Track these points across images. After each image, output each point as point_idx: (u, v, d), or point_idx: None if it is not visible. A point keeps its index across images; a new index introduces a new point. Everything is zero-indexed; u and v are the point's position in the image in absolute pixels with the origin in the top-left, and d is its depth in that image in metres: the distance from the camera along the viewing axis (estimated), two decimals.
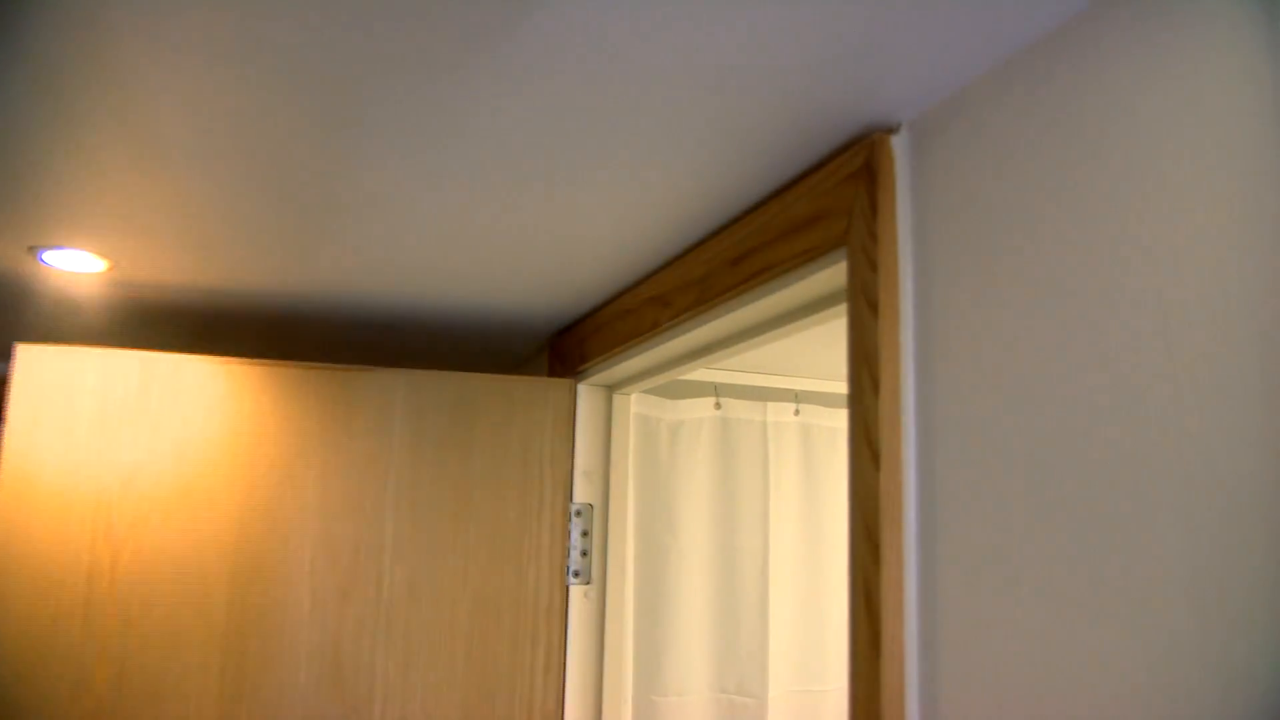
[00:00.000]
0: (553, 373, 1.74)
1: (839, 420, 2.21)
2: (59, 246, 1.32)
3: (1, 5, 0.73)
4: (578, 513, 1.61)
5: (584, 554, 1.61)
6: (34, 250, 1.33)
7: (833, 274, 0.98)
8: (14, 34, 0.76)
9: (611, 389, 1.66)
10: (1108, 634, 0.62)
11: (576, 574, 1.60)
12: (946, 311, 0.80)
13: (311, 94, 0.85)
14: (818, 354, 1.97)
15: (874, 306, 0.84)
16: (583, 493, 1.62)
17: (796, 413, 2.15)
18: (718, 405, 2.08)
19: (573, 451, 1.62)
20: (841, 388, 2.17)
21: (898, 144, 0.86)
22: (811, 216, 0.96)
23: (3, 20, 0.75)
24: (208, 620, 1.45)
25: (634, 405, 1.69)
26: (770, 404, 2.12)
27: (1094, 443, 0.64)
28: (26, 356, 1.43)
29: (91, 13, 0.73)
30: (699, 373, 1.96)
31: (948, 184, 0.81)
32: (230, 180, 1.06)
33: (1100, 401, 0.64)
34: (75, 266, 1.41)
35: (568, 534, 1.60)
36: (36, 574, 1.39)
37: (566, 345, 1.69)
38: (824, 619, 2.11)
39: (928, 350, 0.82)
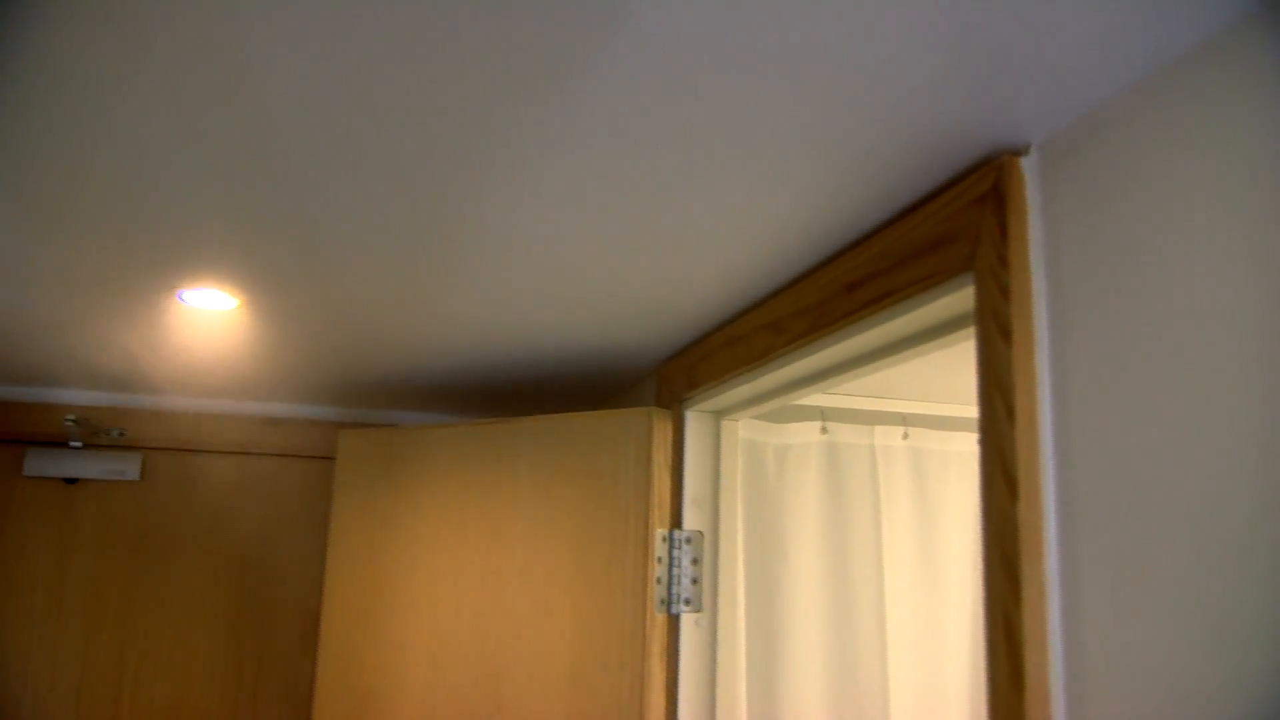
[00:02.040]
0: (660, 400, 1.75)
1: (949, 444, 2.15)
2: (197, 287, 1.41)
3: (151, 56, 0.78)
4: (688, 540, 1.61)
5: (694, 582, 1.61)
6: (176, 291, 1.42)
7: (956, 299, 0.96)
8: (166, 91, 0.82)
9: (719, 415, 1.66)
10: (1265, 667, 0.58)
11: (687, 602, 1.60)
12: (1082, 338, 0.78)
13: (436, 132, 0.88)
14: (925, 376, 1.93)
15: (1006, 333, 0.82)
16: (692, 520, 1.62)
17: (905, 436, 2.10)
18: (824, 429, 2.06)
19: (681, 479, 1.62)
20: (951, 410, 2.13)
21: (1027, 166, 0.84)
22: (935, 241, 0.94)
23: (155, 73, 0.80)
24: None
25: (741, 431, 1.68)
26: (877, 428, 2.08)
27: (1239, 470, 0.61)
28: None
29: (237, 60, 0.78)
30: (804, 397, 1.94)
31: (1081, 207, 0.79)
32: (359, 216, 1.11)
33: (1244, 428, 0.61)
34: (210, 305, 1.49)
35: (678, 562, 1.60)
36: None
37: (674, 372, 1.70)
38: (944, 651, 2.05)
39: (1064, 377, 0.80)
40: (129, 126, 0.88)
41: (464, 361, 1.81)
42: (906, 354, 1.15)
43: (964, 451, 2.15)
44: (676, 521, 1.62)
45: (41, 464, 2.22)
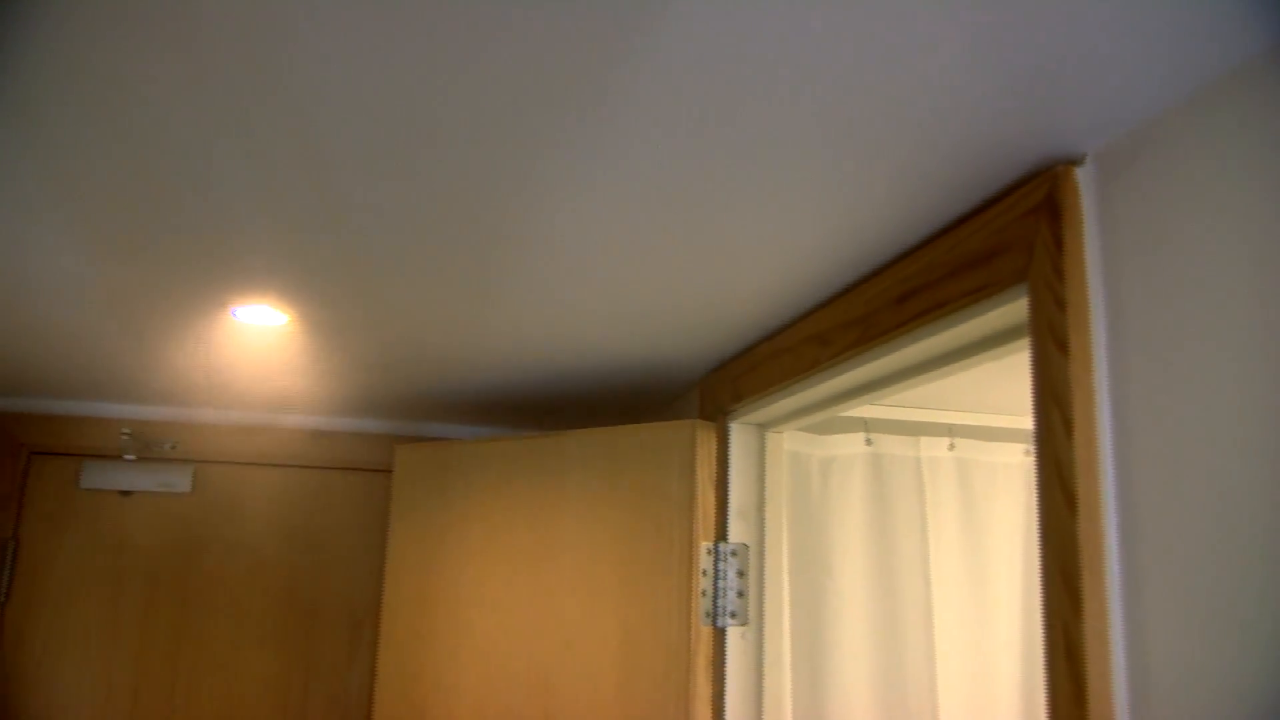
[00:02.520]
0: (703, 413, 1.75)
1: (996, 455, 2.12)
2: (249, 304, 1.44)
3: (211, 79, 0.80)
4: (733, 553, 1.61)
5: (740, 595, 1.60)
6: (229, 307, 1.45)
7: (1009, 311, 0.95)
8: (225, 113, 0.84)
9: (764, 428, 1.65)
10: None
11: (733, 615, 1.59)
12: (1142, 350, 0.76)
13: (484, 150, 0.90)
14: (971, 387, 1.91)
15: (1063, 345, 0.81)
16: (738, 533, 1.62)
17: (951, 447, 2.08)
18: (868, 441, 2.04)
19: (726, 492, 1.62)
20: (998, 421, 2.10)
21: (1083, 176, 0.83)
22: (987, 252, 0.93)
23: (215, 95, 0.82)
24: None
25: (785, 443, 1.67)
26: (923, 439, 2.06)
27: None
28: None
29: (294, 81, 0.80)
30: None
31: (1139, 218, 0.77)
32: (409, 233, 1.13)
33: None
34: (261, 321, 1.52)
35: (723, 575, 1.60)
36: None
37: (718, 385, 1.70)
38: (994, 665, 2.02)
39: (1123, 390, 0.79)
40: (187, 149, 0.91)
41: (511, 374, 1.83)
42: (956, 366, 1.14)
43: (1011, 463, 2.12)
44: (722, 534, 1.62)
45: (97, 476, 2.27)
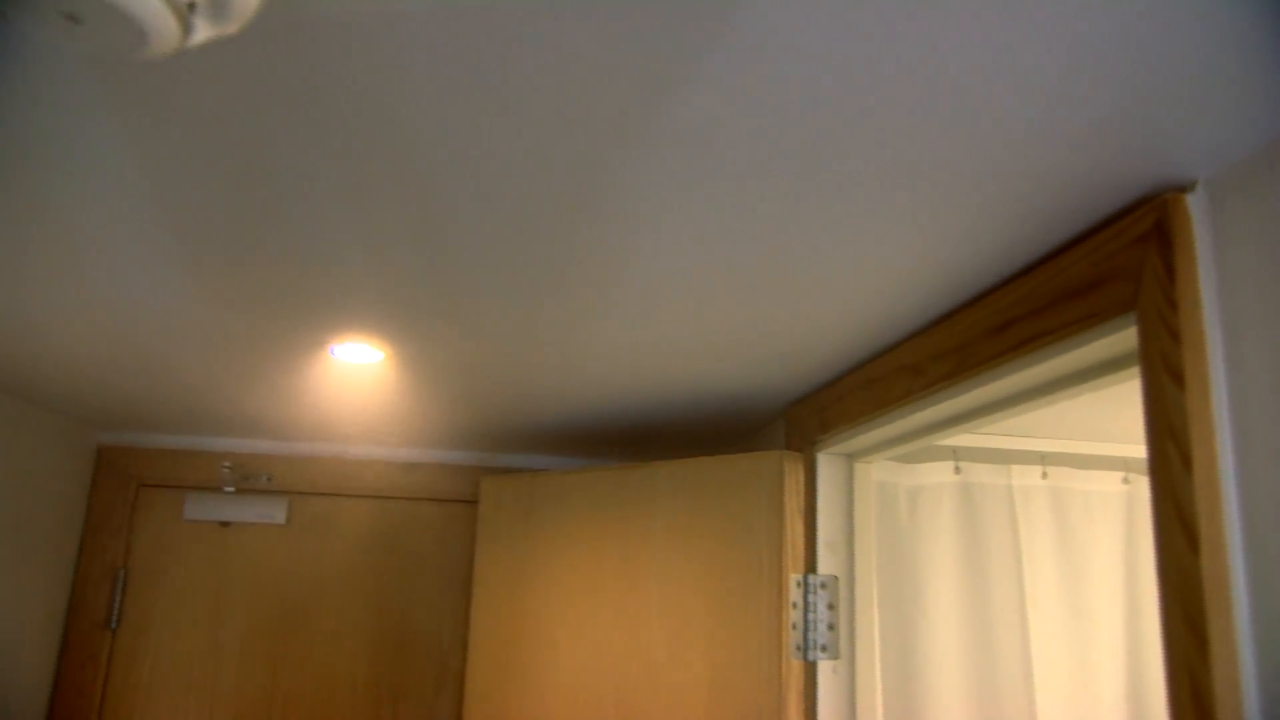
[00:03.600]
0: (790, 443, 1.74)
1: (1092, 483, 2.05)
2: (347, 342, 1.49)
3: (323, 131, 0.84)
4: (823, 585, 1.59)
5: (831, 628, 1.58)
6: (328, 346, 1.51)
7: (1114, 341, 0.93)
8: (337, 168, 0.88)
9: (852, 458, 1.63)
10: None
11: (824, 649, 1.57)
12: (1265, 382, 0.74)
13: (575, 190, 0.92)
14: (1064, 414, 1.85)
15: (1178, 377, 0.79)
16: (827, 565, 1.60)
17: (1044, 476, 2.02)
18: (957, 470, 2.00)
19: (814, 523, 1.61)
20: (1093, 448, 2.03)
21: (1194, 203, 0.81)
22: (1091, 281, 0.91)
23: (327, 149, 0.86)
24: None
25: (873, 473, 1.65)
26: (1014, 467, 2.01)
27: None
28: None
29: (403, 133, 0.83)
30: None
31: (1258, 246, 0.75)
32: (501, 272, 1.16)
33: None
34: (358, 358, 1.58)
35: (813, 608, 1.58)
36: None
37: (804, 415, 1.69)
38: (1097, 701, 1.94)
39: (1244, 423, 0.76)
40: (299, 201, 0.95)
41: (596, 405, 1.85)
42: (1057, 396, 1.12)
43: (1109, 491, 2.05)
44: (811, 566, 1.60)
45: (199, 508, 2.37)
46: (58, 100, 0.77)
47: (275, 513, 2.40)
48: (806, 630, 1.57)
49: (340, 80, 0.73)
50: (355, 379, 1.71)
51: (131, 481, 2.33)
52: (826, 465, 1.63)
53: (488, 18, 0.65)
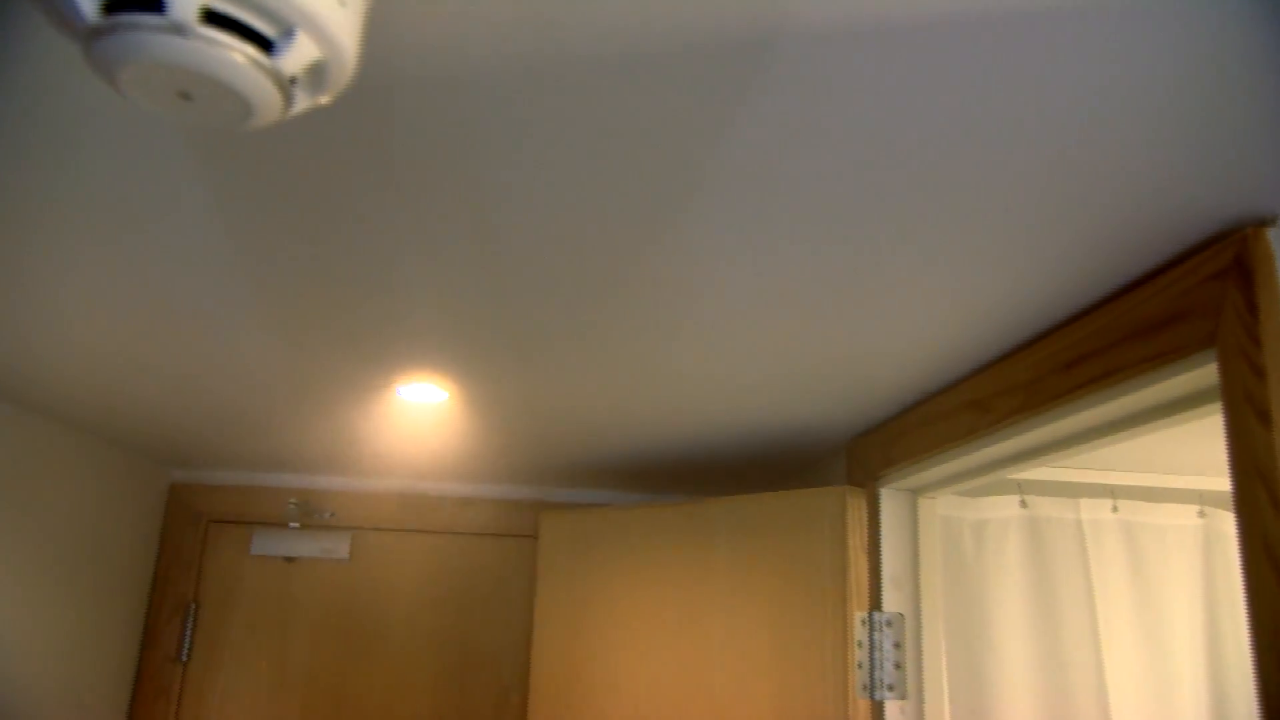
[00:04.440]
0: (852, 478, 1.72)
1: (1166, 517, 1.99)
2: (413, 382, 1.52)
3: (400, 182, 0.87)
4: (888, 623, 1.56)
5: (897, 666, 1.55)
6: (395, 386, 1.54)
7: (1192, 378, 0.91)
8: (412, 218, 0.91)
9: (916, 493, 1.61)
10: None
11: (891, 688, 1.54)
12: None
13: (637, 233, 0.93)
14: (1134, 446, 1.81)
15: (1264, 416, 0.77)
16: (892, 602, 1.57)
17: (1114, 509, 1.97)
18: (1023, 503, 1.96)
19: (879, 559, 1.59)
20: (1165, 481, 1.98)
21: (1275, 237, 0.79)
22: (1166, 317, 0.90)
23: (403, 199, 0.89)
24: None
25: (938, 508, 1.63)
26: (1083, 500, 1.96)
27: None
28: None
29: (478, 188, 0.86)
30: None
31: None
32: (565, 314, 1.17)
33: None
34: (423, 398, 1.61)
35: (879, 646, 1.56)
36: None
37: (866, 450, 1.68)
38: None
39: None
40: (369, 249, 0.98)
41: (655, 440, 1.85)
42: (1131, 432, 1.09)
43: (1184, 525, 1.98)
44: (876, 603, 1.58)
45: (266, 543, 2.42)
46: (155, 164, 0.82)
47: (338, 548, 2.44)
48: (873, 669, 1.55)
49: (415, 135, 0.76)
50: (420, 418, 1.74)
51: (201, 518, 2.39)
52: (890, 501, 1.61)
53: (556, 75, 0.67)
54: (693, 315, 1.14)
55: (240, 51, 0.48)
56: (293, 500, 2.39)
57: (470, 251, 0.98)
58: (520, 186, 0.83)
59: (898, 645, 1.56)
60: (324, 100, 0.56)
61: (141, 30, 0.46)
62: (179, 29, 0.46)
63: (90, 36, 0.47)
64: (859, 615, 1.57)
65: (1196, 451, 1.82)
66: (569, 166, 0.79)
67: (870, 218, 0.86)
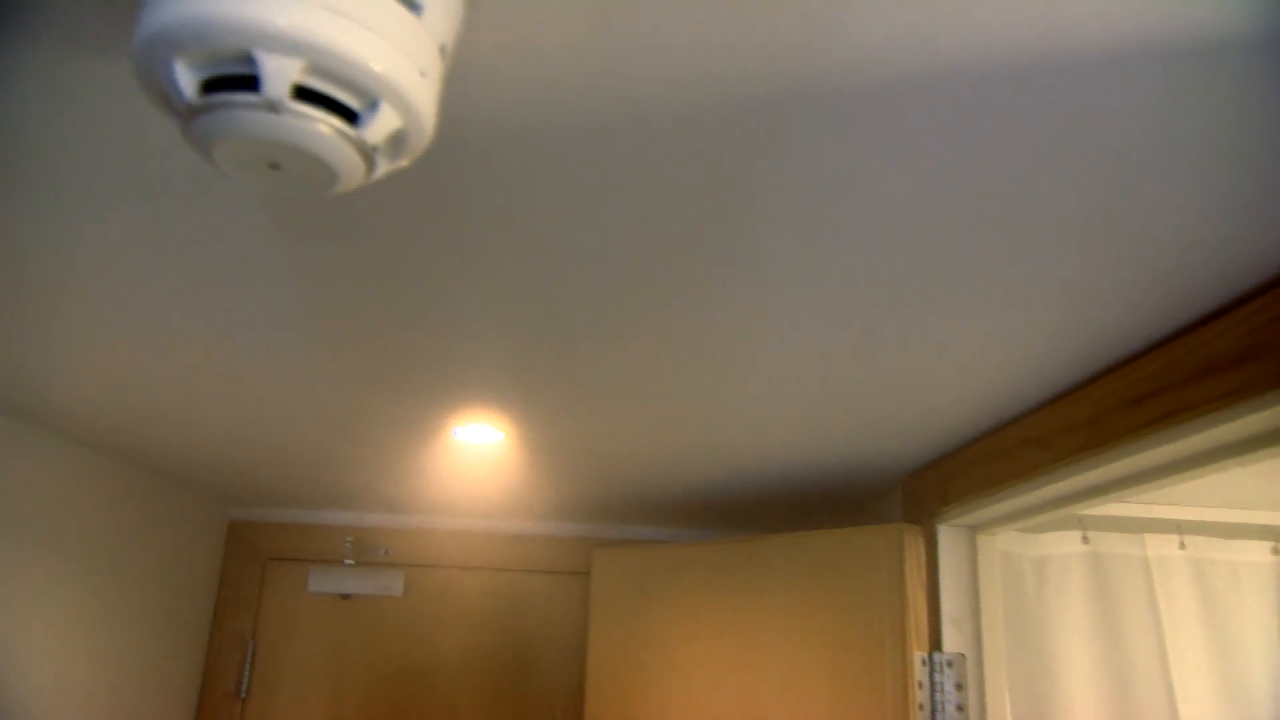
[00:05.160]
0: (908, 515, 1.70)
1: (1237, 553, 1.93)
2: (471, 424, 1.54)
3: (467, 239, 0.89)
4: (949, 663, 1.53)
5: (960, 709, 1.52)
6: (452, 428, 1.57)
7: (1265, 418, 0.89)
8: (476, 267, 0.93)
9: (975, 530, 1.59)
10: None
11: None
12: None
13: (695, 276, 0.94)
14: (1201, 480, 1.76)
15: None
16: (953, 642, 1.55)
17: (1182, 546, 1.91)
18: (1085, 539, 1.91)
19: (938, 598, 1.56)
20: (1235, 516, 1.92)
21: None
22: (1237, 355, 0.88)
23: (468, 251, 0.91)
24: None
25: (997, 544, 1.60)
26: (1148, 536, 1.91)
27: None
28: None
29: (528, 231, 0.87)
30: None
31: None
32: (623, 358, 1.19)
33: None
34: (480, 439, 1.63)
35: (940, 687, 1.52)
36: None
37: (923, 486, 1.66)
38: None
39: None
40: (432, 296, 1.01)
41: (707, 478, 1.85)
42: (1201, 471, 1.07)
43: (1257, 562, 1.92)
44: (936, 643, 1.55)
45: (322, 581, 2.45)
46: (229, 216, 0.85)
47: (393, 585, 2.46)
48: (934, 711, 1.52)
49: (479, 187, 0.78)
50: (475, 458, 1.76)
51: (259, 555, 2.44)
52: (948, 538, 1.58)
53: (616, 130, 0.69)
54: (747, 354, 1.15)
55: (328, 124, 0.50)
56: (349, 538, 2.42)
57: (528, 296, 1.00)
58: (579, 234, 0.85)
59: (959, 686, 1.53)
60: (403, 164, 0.58)
61: (237, 108, 0.48)
62: (273, 106, 0.48)
63: (189, 115, 0.50)
64: (919, 655, 1.54)
65: (1269, 485, 1.76)
66: (626, 215, 0.81)
67: (926, 257, 0.86)
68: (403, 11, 0.51)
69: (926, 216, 0.78)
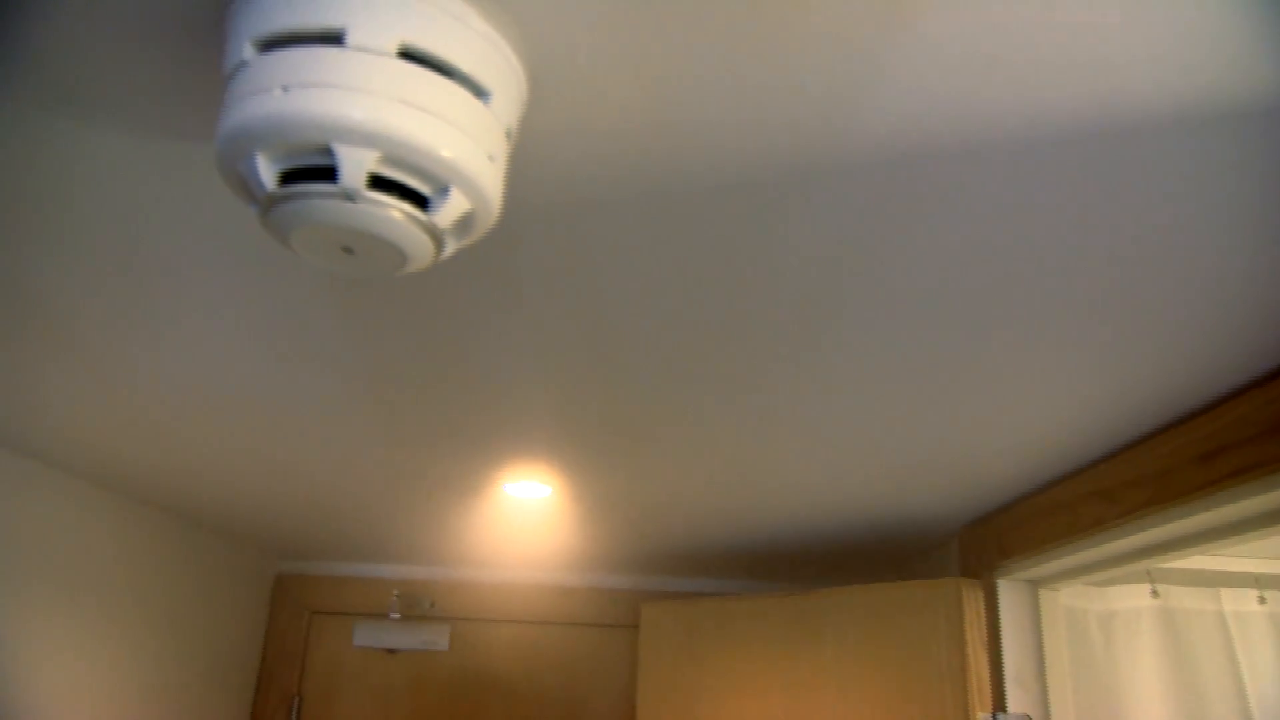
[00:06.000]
0: (965, 568, 1.66)
1: None
2: (519, 480, 1.54)
3: (521, 303, 0.90)
4: None
5: None
6: (501, 484, 1.57)
7: None
8: (530, 331, 0.94)
9: (1036, 584, 1.54)
10: None
11: None
12: None
13: (757, 342, 0.94)
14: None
15: None
16: (1017, 702, 1.49)
17: (1262, 600, 1.83)
18: (1154, 593, 1.84)
19: (1000, 656, 1.51)
20: None
21: None
22: None
23: (523, 316, 0.92)
24: None
25: (1061, 598, 1.55)
26: (1223, 590, 1.83)
27: None
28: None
29: (595, 305, 0.88)
30: None
31: None
32: (676, 417, 1.18)
33: None
34: (527, 494, 1.63)
35: None
36: None
37: (980, 539, 1.62)
38: None
39: None
40: (486, 356, 1.01)
41: (759, 530, 1.83)
42: (1274, 530, 1.03)
43: None
44: (999, 704, 1.50)
45: (368, 635, 2.45)
46: (286, 281, 0.87)
47: (439, 639, 2.45)
48: None
49: (537, 255, 0.79)
50: (524, 512, 1.76)
51: (305, 609, 2.44)
52: (1009, 593, 1.54)
53: (668, 202, 0.69)
54: (803, 410, 1.14)
55: (401, 210, 0.51)
56: (395, 591, 2.42)
57: (581, 357, 1.00)
58: (631, 297, 0.85)
59: None
60: (469, 243, 0.59)
61: (316, 198, 0.50)
62: (349, 195, 0.49)
63: (269, 204, 0.51)
64: (982, 717, 1.49)
65: None
66: (677, 279, 0.81)
67: (988, 313, 0.85)
68: (472, 99, 0.52)
69: (988, 277, 0.77)
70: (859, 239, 0.73)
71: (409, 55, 0.49)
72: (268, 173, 0.50)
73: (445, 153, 0.50)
